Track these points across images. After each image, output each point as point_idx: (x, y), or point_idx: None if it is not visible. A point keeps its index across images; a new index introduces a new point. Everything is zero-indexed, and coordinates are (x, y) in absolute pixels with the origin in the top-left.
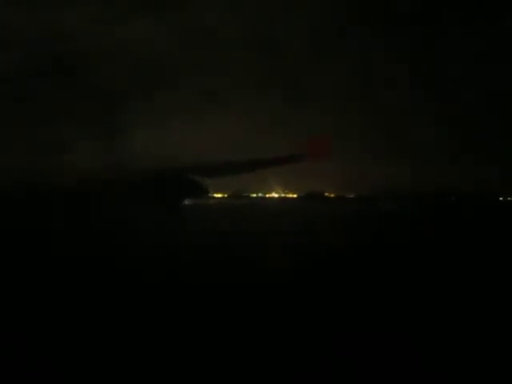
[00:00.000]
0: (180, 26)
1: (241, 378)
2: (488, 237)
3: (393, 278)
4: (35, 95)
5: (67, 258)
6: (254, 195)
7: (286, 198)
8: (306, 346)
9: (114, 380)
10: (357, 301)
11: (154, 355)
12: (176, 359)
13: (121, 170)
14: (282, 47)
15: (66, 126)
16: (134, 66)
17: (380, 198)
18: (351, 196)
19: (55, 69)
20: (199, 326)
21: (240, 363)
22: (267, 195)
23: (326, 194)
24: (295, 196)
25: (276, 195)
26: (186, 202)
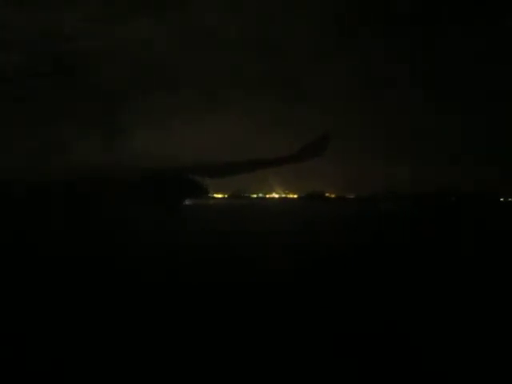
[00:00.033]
0: (180, 25)
1: (241, 377)
2: (488, 237)
3: (393, 278)
4: (35, 95)
5: (67, 258)
6: (255, 195)
7: (286, 199)
8: (305, 345)
9: (114, 380)
10: (357, 301)
11: (154, 355)
12: (176, 359)
13: (121, 170)
14: (282, 47)
15: (66, 125)
16: (134, 65)
17: (380, 199)
18: (351, 196)
19: (55, 69)
20: (199, 325)
21: (240, 363)
22: (267, 195)
23: (327, 195)
24: (295, 196)
25: (276, 195)
26: (186, 202)
